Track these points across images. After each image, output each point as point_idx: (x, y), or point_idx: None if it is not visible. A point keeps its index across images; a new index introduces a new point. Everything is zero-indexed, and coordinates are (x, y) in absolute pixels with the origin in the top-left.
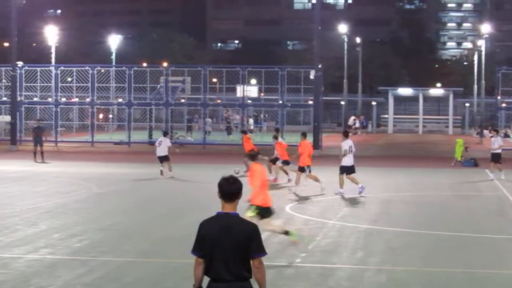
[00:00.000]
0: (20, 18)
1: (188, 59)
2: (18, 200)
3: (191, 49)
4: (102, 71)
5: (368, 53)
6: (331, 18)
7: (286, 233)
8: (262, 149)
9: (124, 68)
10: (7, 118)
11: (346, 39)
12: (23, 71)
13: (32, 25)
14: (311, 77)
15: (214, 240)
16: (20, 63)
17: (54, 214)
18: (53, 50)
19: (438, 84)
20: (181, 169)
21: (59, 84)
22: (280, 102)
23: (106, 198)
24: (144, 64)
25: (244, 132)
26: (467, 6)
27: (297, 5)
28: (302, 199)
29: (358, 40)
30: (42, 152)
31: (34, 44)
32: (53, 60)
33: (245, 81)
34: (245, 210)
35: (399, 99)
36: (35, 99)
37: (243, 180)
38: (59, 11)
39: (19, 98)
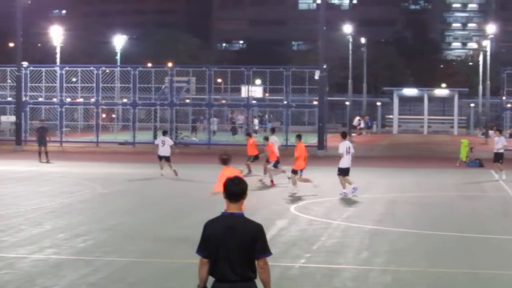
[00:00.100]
0: (25, 19)
1: (193, 59)
2: (23, 200)
3: (196, 49)
4: (107, 71)
5: (373, 54)
6: (336, 19)
7: None
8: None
9: (129, 68)
10: (12, 118)
11: (351, 40)
12: (28, 72)
13: (37, 26)
14: (316, 77)
15: (219, 240)
16: (25, 64)
17: (59, 214)
18: (58, 51)
19: (443, 85)
20: (185, 169)
21: (64, 84)
22: (285, 102)
23: (111, 198)
24: (149, 65)
25: (248, 134)
26: (472, 6)
27: (302, 6)
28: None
29: (363, 40)
30: (46, 152)
31: (39, 45)
32: (58, 60)
33: (249, 82)
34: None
35: (404, 100)
36: (40, 99)
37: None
38: (64, 11)
39: (24, 98)
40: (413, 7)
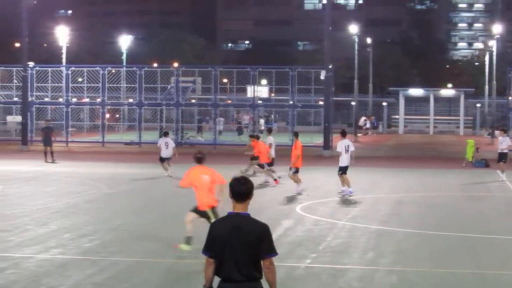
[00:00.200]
0: (31, 19)
1: (199, 59)
2: (29, 200)
3: (202, 50)
4: (113, 71)
5: (378, 54)
6: (341, 19)
7: (187, 239)
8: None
9: (134, 68)
10: (18, 118)
11: (356, 40)
12: (34, 72)
13: (43, 26)
14: (322, 77)
15: (225, 240)
16: (31, 64)
17: (65, 214)
18: (64, 51)
19: (449, 85)
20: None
21: (70, 85)
22: (291, 102)
23: (117, 198)
24: (155, 65)
25: (252, 136)
26: (478, 6)
27: (308, 6)
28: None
29: (368, 40)
30: (52, 152)
31: (45, 45)
32: (64, 60)
33: (255, 82)
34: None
35: (409, 100)
36: (46, 99)
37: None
38: (70, 11)
39: (30, 99)
40: (419, 7)
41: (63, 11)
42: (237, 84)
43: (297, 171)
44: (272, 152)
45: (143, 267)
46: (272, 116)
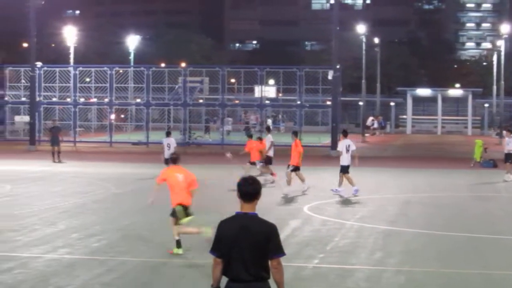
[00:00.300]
0: (39, 19)
1: (206, 59)
2: (37, 200)
3: (209, 50)
4: (121, 71)
5: (386, 54)
6: (349, 19)
7: (178, 243)
8: (279, 149)
9: (142, 68)
10: (26, 118)
11: (364, 40)
12: (42, 72)
13: (51, 26)
14: (329, 77)
15: (233, 240)
16: (39, 64)
17: (73, 214)
18: (71, 51)
19: (457, 85)
20: (198, 169)
21: (78, 85)
22: (298, 102)
23: (124, 198)
24: (162, 65)
25: (260, 137)
26: (486, 6)
27: (315, 6)
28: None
29: (376, 40)
30: (59, 152)
31: (53, 45)
32: (71, 60)
33: (263, 82)
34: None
35: (417, 100)
36: (54, 99)
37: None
38: (77, 11)
39: (38, 99)
40: (426, 7)
41: (71, 11)
42: (244, 84)
43: (295, 169)
44: (270, 152)
45: (151, 267)
46: (280, 116)
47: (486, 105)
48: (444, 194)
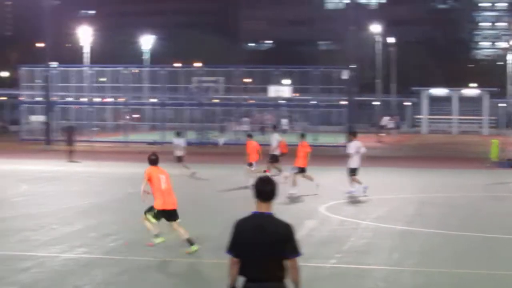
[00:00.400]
0: (54, 19)
1: (221, 59)
2: (54, 199)
3: (224, 50)
4: (135, 71)
5: (401, 53)
6: (364, 18)
7: (189, 241)
8: (290, 149)
9: (157, 68)
10: (41, 118)
11: (378, 39)
12: (57, 72)
13: (67, 26)
14: (344, 77)
15: (249, 239)
16: (54, 64)
17: (90, 213)
18: (87, 51)
19: (473, 84)
20: (213, 169)
21: (93, 85)
22: (313, 102)
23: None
24: (177, 65)
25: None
26: (501, 5)
27: (329, 5)
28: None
29: (391, 40)
30: (73, 152)
31: (69, 45)
32: (87, 60)
33: (277, 82)
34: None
35: (433, 100)
36: (69, 99)
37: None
38: (93, 11)
39: (53, 99)
40: (441, 6)
41: (86, 11)
42: (259, 84)
43: (301, 171)
44: (277, 151)
45: (168, 266)
46: (293, 116)
47: (503, 104)
48: (459, 194)
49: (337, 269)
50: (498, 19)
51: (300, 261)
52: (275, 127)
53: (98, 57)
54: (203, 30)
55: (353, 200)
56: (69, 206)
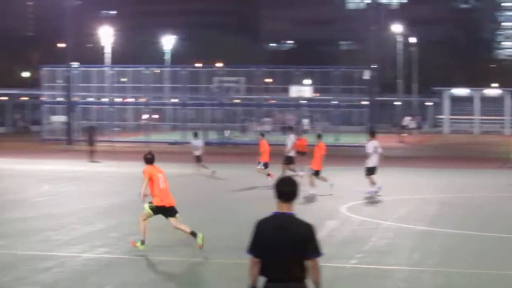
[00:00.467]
0: (75, 19)
1: (242, 59)
2: (75, 199)
3: (245, 50)
4: (157, 71)
5: (422, 53)
6: (385, 18)
7: (193, 234)
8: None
9: (178, 68)
10: (63, 118)
11: (400, 39)
12: (78, 72)
13: (88, 26)
14: (365, 77)
15: (270, 240)
16: (75, 64)
17: (111, 213)
18: (108, 51)
19: (495, 84)
20: (234, 169)
21: (114, 85)
22: (335, 102)
23: None
24: (198, 65)
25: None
26: None
27: (350, 5)
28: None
29: (413, 40)
30: (94, 152)
31: (90, 45)
32: (108, 60)
33: (298, 82)
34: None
35: (454, 100)
36: (90, 99)
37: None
38: (114, 12)
39: (74, 99)
40: (463, 6)
41: (107, 11)
42: (280, 84)
43: (316, 173)
44: (291, 152)
45: (189, 266)
46: (314, 116)
47: None
48: (480, 194)
49: (358, 270)
50: None
51: (321, 261)
52: (291, 128)
53: (119, 57)
54: (224, 30)
55: (374, 200)
56: (90, 206)
